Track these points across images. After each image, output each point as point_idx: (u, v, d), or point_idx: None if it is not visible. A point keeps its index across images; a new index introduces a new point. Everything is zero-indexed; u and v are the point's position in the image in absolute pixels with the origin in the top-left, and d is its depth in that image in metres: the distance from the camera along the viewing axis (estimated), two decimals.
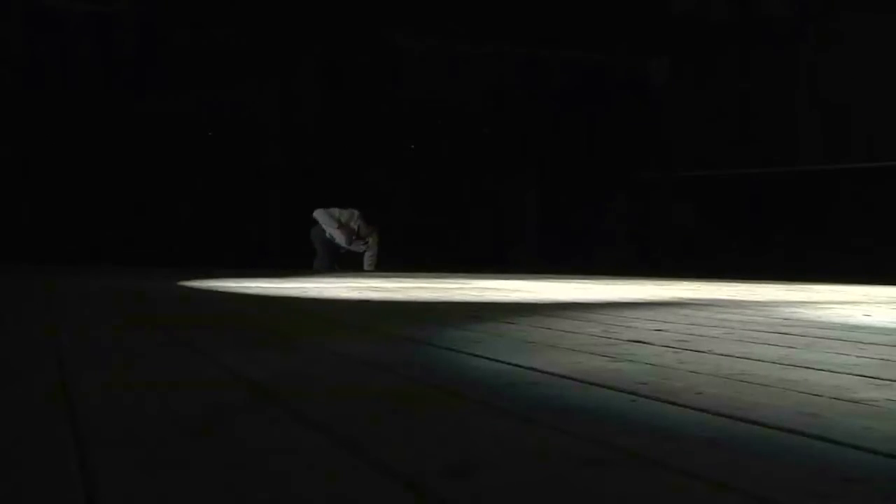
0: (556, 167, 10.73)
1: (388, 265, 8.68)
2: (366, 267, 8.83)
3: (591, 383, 1.65)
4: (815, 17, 9.44)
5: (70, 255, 8.34)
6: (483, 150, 10.52)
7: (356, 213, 8.91)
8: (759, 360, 2.03)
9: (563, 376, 1.74)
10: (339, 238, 8.84)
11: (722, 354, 2.14)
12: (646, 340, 2.45)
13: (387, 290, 5.04)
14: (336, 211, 8.91)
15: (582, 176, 10.74)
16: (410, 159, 10.25)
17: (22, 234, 8.63)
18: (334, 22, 9.93)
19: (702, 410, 1.39)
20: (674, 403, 1.45)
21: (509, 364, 1.91)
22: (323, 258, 8.89)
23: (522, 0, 10.51)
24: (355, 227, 8.87)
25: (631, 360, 2.01)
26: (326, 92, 9.89)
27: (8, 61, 8.82)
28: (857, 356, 2.15)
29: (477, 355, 2.05)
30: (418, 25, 10.27)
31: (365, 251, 8.96)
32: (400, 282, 6.10)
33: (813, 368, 1.91)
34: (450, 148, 10.30)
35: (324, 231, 8.89)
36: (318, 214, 8.89)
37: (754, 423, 1.30)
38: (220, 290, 4.70)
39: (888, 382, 1.72)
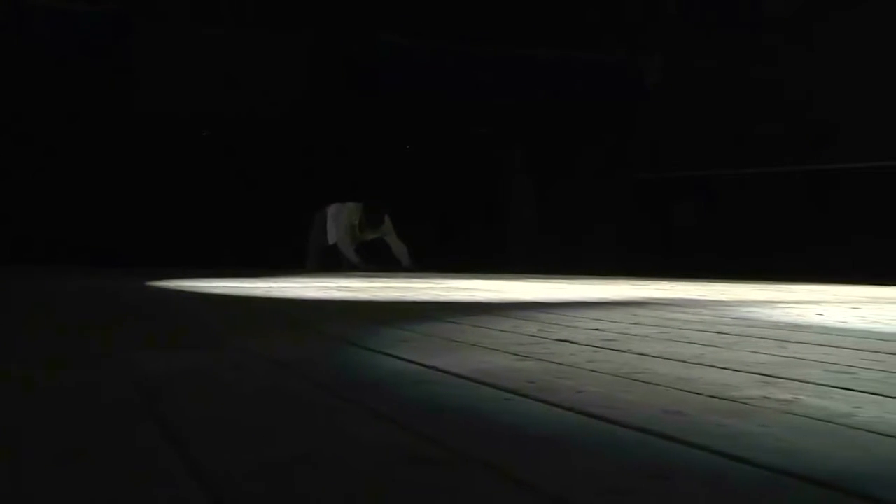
0: (552, 167, 10.73)
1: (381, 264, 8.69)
2: (404, 264, 8.63)
3: (481, 382, 1.67)
4: (810, 16, 9.43)
5: (52, 255, 8.38)
6: (479, 149, 10.53)
7: (360, 206, 8.74)
8: (670, 360, 2.05)
9: (461, 376, 1.75)
10: (332, 233, 8.68)
11: (638, 354, 2.16)
12: (573, 340, 2.46)
13: (356, 290, 5.06)
14: (351, 205, 8.74)
15: (577, 176, 10.75)
16: (407, 159, 10.26)
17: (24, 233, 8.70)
18: (328, 20, 9.96)
19: (568, 409, 1.40)
20: (546, 402, 1.47)
21: (417, 364, 1.93)
22: (315, 256, 8.78)
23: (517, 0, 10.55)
24: (355, 223, 8.72)
25: (541, 360, 2.02)
26: (319, 90, 9.91)
27: None
28: (773, 354, 2.16)
29: (392, 355, 2.07)
30: (410, 24, 10.29)
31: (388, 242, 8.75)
32: (376, 282, 6.11)
33: (717, 367, 1.92)
34: (445, 148, 10.31)
35: (325, 229, 8.73)
36: (332, 209, 8.76)
37: (612, 421, 1.31)
38: (186, 289, 4.72)
39: (780, 381, 1.73)
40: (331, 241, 8.65)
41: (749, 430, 1.26)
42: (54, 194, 8.88)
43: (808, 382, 1.71)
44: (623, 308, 3.87)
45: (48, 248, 8.62)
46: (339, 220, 8.66)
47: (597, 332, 2.74)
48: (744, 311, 3.74)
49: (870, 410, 1.42)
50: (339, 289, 5.07)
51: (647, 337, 2.60)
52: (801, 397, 1.54)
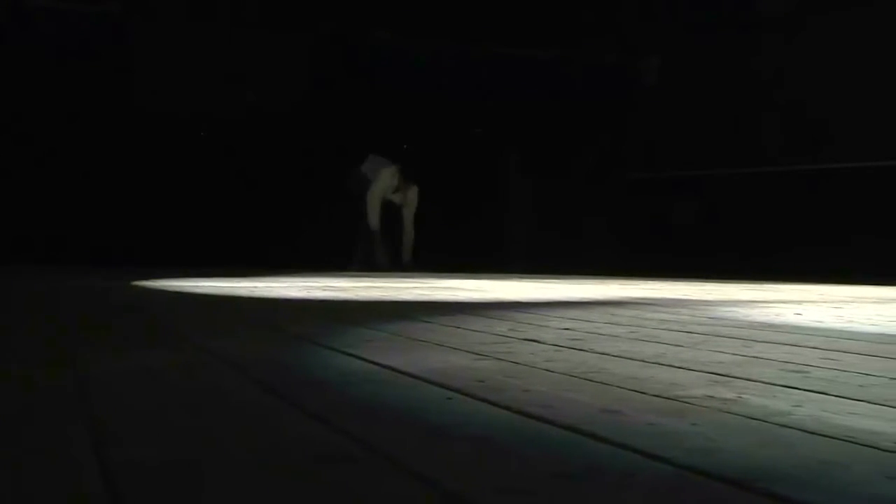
0: (549, 167, 10.73)
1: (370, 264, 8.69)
2: (405, 259, 8.76)
3: (431, 381, 1.66)
4: (804, 17, 9.42)
5: (52, 255, 8.40)
6: (475, 149, 10.53)
7: (396, 167, 8.92)
8: (629, 359, 2.04)
9: (412, 375, 1.75)
10: (374, 183, 8.76)
11: (599, 353, 2.15)
12: (540, 339, 2.46)
13: (341, 289, 5.05)
14: (389, 167, 8.88)
15: (574, 176, 10.74)
16: (403, 159, 10.25)
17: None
18: (327, 19, 9.97)
19: (506, 408, 1.40)
20: (487, 401, 1.46)
21: (373, 363, 1.92)
22: (364, 250, 8.82)
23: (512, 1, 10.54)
24: (394, 183, 8.86)
25: (499, 359, 2.02)
26: (318, 90, 9.91)
27: None
28: (734, 354, 2.15)
29: (351, 354, 2.06)
30: (405, 24, 10.29)
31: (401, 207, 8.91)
32: (364, 282, 6.11)
33: (673, 366, 1.92)
34: (441, 147, 10.30)
35: (363, 179, 8.81)
36: (368, 164, 8.86)
37: (546, 421, 1.30)
38: (169, 289, 4.72)
39: (731, 380, 1.72)
40: (371, 190, 8.74)
41: (679, 429, 1.26)
42: (54, 194, 8.90)
43: (757, 381, 1.70)
44: (603, 307, 3.87)
45: (48, 248, 8.64)
46: (377, 175, 8.79)
47: (567, 331, 2.74)
48: (723, 311, 3.73)
49: (808, 409, 1.42)
50: (323, 288, 5.07)
51: (616, 336, 2.59)
52: (744, 396, 1.54)
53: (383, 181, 8.84)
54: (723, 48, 10.12)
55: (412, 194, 8.97)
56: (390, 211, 8.97)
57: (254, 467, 1.01)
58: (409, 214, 8.95)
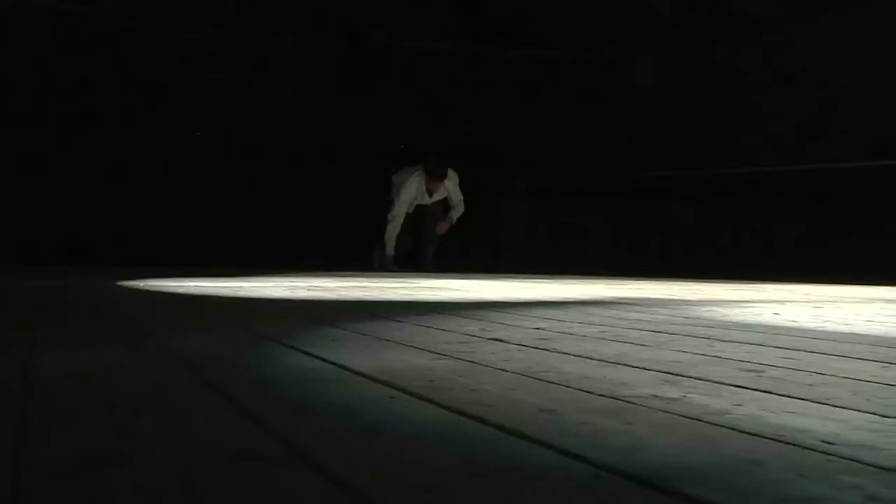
0: (545, 167, 10.72)
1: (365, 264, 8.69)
2: (428, 256, 8.73)
3: (379, 381, 1.66)
4: (799, 16, 9.40)
5: (50, 255, 8.42)
6: (471, 149, 10.52)
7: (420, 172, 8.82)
8: (588, 358, 2.04)
9: (363, 374, 1.75)
10: (397, 201, 8.69)
11: (560, 352, 2.15)
12: (506, 339, 2.46)
13: (326, 289, 5.05)
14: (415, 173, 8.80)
15: (571, 175, 10.73)
16: (400, 158, 10.25)
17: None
18: (319, 17, 9.98)
19: (445, 407, 1.40)
20: (428, 400, 1.46)
21: (328, 362, 1.92)
22: (401, 243, 8.78)
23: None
24: (420, 189, 8.75)
25: (458, 358, 2.02)
26: (313, 90, 9.91)
27: None
28: (694, 353, 2.15)
29: (310, 353, 2.06)
30: (400, 24, 10.29)
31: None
32: (352, 282, 6.11)
33: (630, 366, 1.92)
34: (438, 147, 10.29)
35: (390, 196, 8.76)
36: (395, 178, 8.82)
37: (479, 420, 1.30)
38: (153, 289, 4.72)
39: (682, 379, 1.72)
40: (392, 213, 8.68)
41: (611, 429, 1.25)
42: (52, 194, 8.91)
43: (707, 381, 1.70)
44: (582, 307, 3.86)
45: (46, 248, 8.65)
46: (403, 188, 8.69)
47: (537, 330, 2.74)
48: (701, 311, 3.73)
49: (748, 408, 1.42)
50: (308, 289, 5.07)
51: (584, 336, 2.59)
52: (689, 396, 1.54)
53: (407, 194, 8.74)
54: (717, 47, 10.10)
55: (451, 183, 8.85)
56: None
57: (166, 466, 1.01)
58: (455, 197, 8.87)
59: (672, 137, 10.40)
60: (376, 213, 8.95)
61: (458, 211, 8.97)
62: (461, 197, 8.97)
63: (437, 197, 8.87)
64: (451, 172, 8.85)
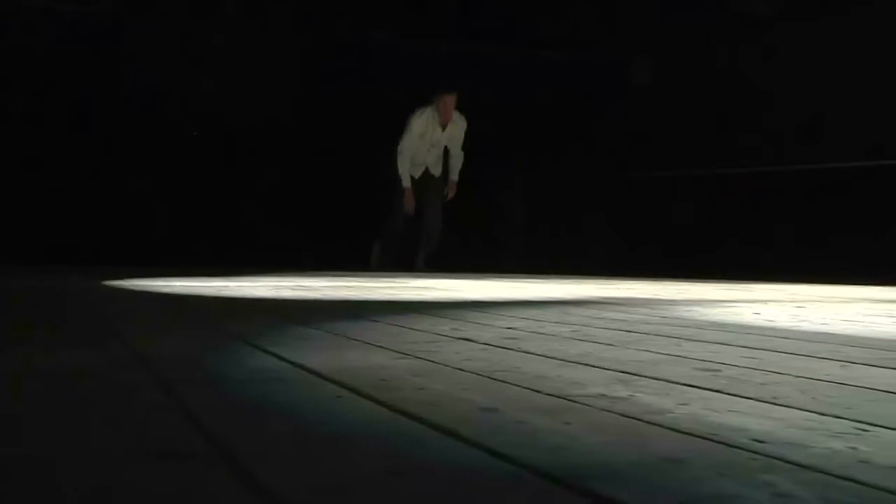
0: (542, 167, 10.71)
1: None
2: (427, 250, 8.69)
3: (332, 380, 1.66)
4: (798, 16, 9.39)
5: (51, 255, 8.43)
6: (468, 148, 10.51)
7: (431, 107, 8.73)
8: (550, 358, 2.04)
9: (319, 374, 1.75)
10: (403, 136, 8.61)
11: (523, 352, 2.15)
12: (475, 339, 2.46)
13: (311, 289, 5.05)
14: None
15: (569, 175, 10.73)
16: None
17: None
18: (317, 17, 9.98)
19: (388, 407, 1.40)
20: (375, 400, 1.46)
21: (288, 361, 1.92)
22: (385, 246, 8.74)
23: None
24: (428, 127, 8.68)
25: (419, 358, 2.02)
26: (313, 88, 9.92)
27: None
28: (657, 353, 2.15)
29: (272, 353, 2.06)
30: (398, 25, 10.29)
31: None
32: (340, 282, 6.11)
33: (589, 365, 1.92)
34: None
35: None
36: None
37: (417, 419, 1.30)
38: (136, 288, 4.72)
39: (635, 378, 1.72)
40: (400, 146, 8.61)
41: (546, 428, 1.26)
42: (52, 194, 8.92)
43: (661, 380, 1.70)
44: (563, 307, 3.86)
45: (45, 248, 8.66)
46: (412, 120, 8.63)
47: (508, 330, 2.74)
48: (682, 310, 3.73)
49: (692, 407, 1.42)
50: (294, 288, 5.07)
51: (554, 336, 2.59)
52: (637, 395, 1.54)
53: (417, 125, 8.61)
54: (716, 47, 10.09)
55: (458, 128, 8.78)
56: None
57: (88, 464, 1.01)
58: (456, 153, 8.81)
59: (671, 137, 10.39)
60: (376, 214, 8.94)
61: (457, 164, 8.90)
62: (461, 152, 8.92)
63: (448, 137, 8.72)
64: (459, 116, 8.82)
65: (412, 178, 8.72)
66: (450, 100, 8.68)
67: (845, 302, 4.48)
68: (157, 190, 9.29)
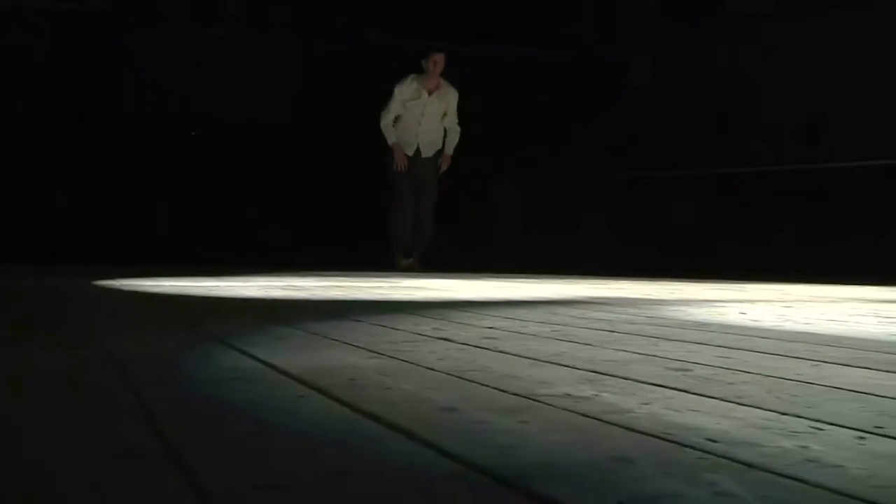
0: (541, 166, 10.71)
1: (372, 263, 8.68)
2: (417, 250, 8.62)
3: (300, 380, 1.66)
4: (798, 16, 9.39)
5: (51, 255, 8.43)
6: (465, 148, 10.51)
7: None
8: (524, 357, 2.04)
9: (288, 374, 1.75)
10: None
11: (500, 352, 2.15)
12: (453, 338, 2.46)
13: (301, 289, 5.05)
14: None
15: (567, 175, 10.73)
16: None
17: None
18: (316, 17, 9.99)
19: (348, 407, 1.40)
20: (338, 400, 1.46)
21: (260, 361, 1.92)
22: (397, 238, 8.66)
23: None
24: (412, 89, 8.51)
25: (392, 358, 2.02)
26: (313, 88, 9.92)
27: None
28: (632, 352, 2.15)
29: (247, 353, 2.06)
30: (391, 24, 10.29)
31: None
32: (332, 281, 6.11)
33: (561, 365, 1.92)
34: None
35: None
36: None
37: (374, 417, 1.30)
38: (124, 288, 4.72)
39: (603, 378, 1.72)
40: (384, 110, 8.54)
41: (503, 428, 1.26)
42: (51, 194, 8.93)
43: (628, 380, 1.70)
44: (549, 307, 3.86)
45: (44, 248, 8.66)
46: (397, 85, 8.52)
47: (489, 329, 2.74)
48: (669, 310, 3.73)
49: (653, 407, 1.42)
50: (283, 288, 5.07)
51: (533, 335, 2.59)
52: (601, 394, 1.54)
53: (401, 91, 8.50)
54: (716, 47, 10.09)
55: (450, 99, 8.60)
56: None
57: (42, 464, 1.01)
58: (452, 128, 8.65)
59: (671, 137, 10.38)
60: (376, 214, 8.95)
61: (453, 138, 8.78)
62: (457, 121, 8.75)
63: (438, 111, 8.59)
64: (449, 86, 8.58)
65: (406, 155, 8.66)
66: (439, 58, 8.53)
67: (834, 302, 4.48)
68: (157, 190, 9.30)
